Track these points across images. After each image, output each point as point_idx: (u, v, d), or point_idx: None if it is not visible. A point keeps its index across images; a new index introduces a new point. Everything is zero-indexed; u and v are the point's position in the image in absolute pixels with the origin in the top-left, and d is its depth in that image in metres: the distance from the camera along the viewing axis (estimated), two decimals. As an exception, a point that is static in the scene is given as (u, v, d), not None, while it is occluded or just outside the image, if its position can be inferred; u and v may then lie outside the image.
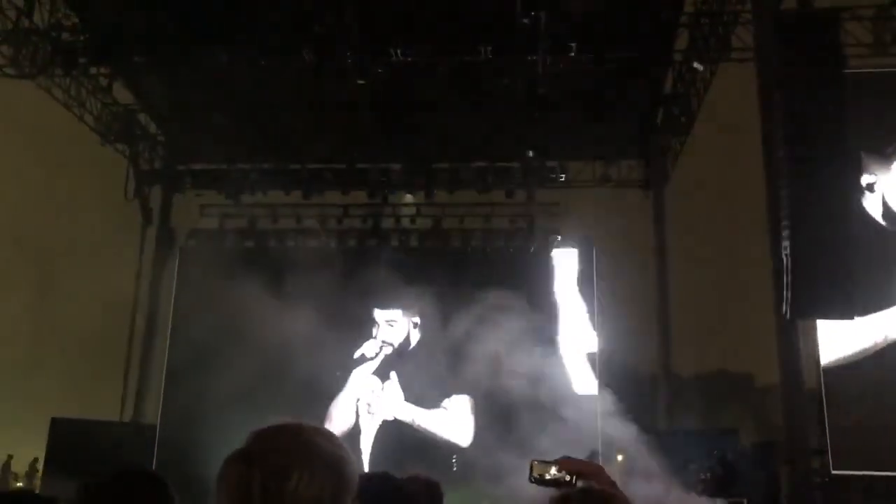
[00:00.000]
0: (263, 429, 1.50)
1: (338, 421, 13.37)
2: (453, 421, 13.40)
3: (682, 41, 13.36)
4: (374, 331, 13.98)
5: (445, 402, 13.44)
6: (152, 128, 16.62)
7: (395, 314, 14.02)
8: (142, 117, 16.24)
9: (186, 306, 14.11)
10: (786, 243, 9.33)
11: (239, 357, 12.47)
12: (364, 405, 13.61)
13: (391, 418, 13.52)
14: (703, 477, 11.70)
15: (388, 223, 15.56)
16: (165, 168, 16.97)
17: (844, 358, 10.52)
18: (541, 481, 1.95)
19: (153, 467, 11.73)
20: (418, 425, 13.45)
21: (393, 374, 13.68)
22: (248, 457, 1.45)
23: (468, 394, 13.22)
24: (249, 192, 15.65)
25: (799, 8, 10.10)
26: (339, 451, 1.48)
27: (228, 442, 1.55)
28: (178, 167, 16.87)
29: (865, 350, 10.41)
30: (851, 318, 9.49)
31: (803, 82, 9.63)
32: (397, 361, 13.78)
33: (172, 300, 14.75)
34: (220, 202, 15.62)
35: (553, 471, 1.95)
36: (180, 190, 16.95)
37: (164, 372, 14.39)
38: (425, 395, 13.42)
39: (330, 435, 1.52)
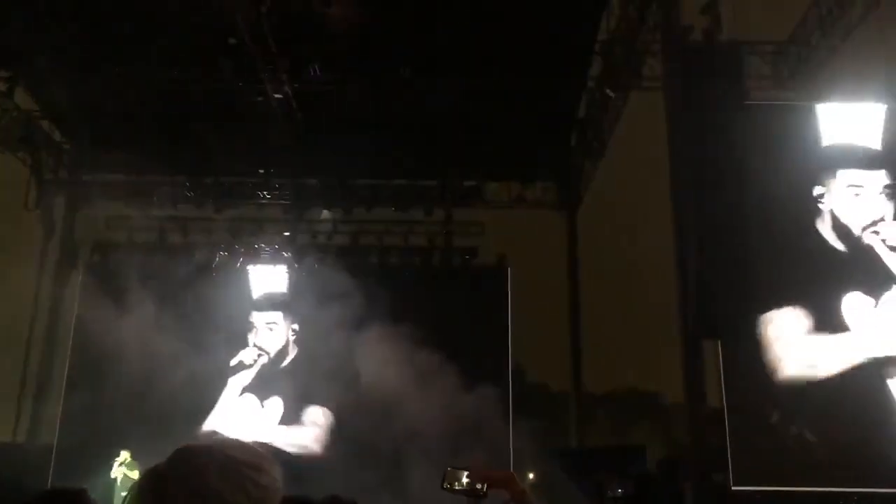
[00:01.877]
0: (177, 451, 1.37)
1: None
2: (313, 434, 12.98)
3: (595, 68, 13.75)
4: (250, 337, 13.55)
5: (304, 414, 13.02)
6: (56, 136, 15.94)
7: (276, 317, 13.66)
8: (45, 124, 15.56)
9: (89, 324, 13.52)
10: (690, 265, 9.66)
11: (144, 376, 12.07)
12: (244, 426, 13.14)
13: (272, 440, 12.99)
14: (615, 494, 11.91)
15: (304, 239, 15.36)
16: (70, 178, 16.29)
17: (749, 376, 10.95)
18: (452, 490, 1.95)
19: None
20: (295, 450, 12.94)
21: (275, 394, 13.18)
22: (141, 482, 1.36)
23: (365, 415, 12.95)
24: (159, 205, 15.20)
25: (704, 40, 10.54)
26: (235, 495, 1.30)
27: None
28: (83, 177, 16.21)
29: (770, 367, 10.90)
30: (752, 338, 9.90)
31: (708, 110, 10.06)
32: (277, 377, 13.32)
33: (74, 317, 14.14)
34: (128, 215, 15.11)
35: (465, 480, 1.95)
36: (86, 201, 16.29)
37: (63, 392, 13.76)
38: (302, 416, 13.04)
39: (234, 474, 1.31)
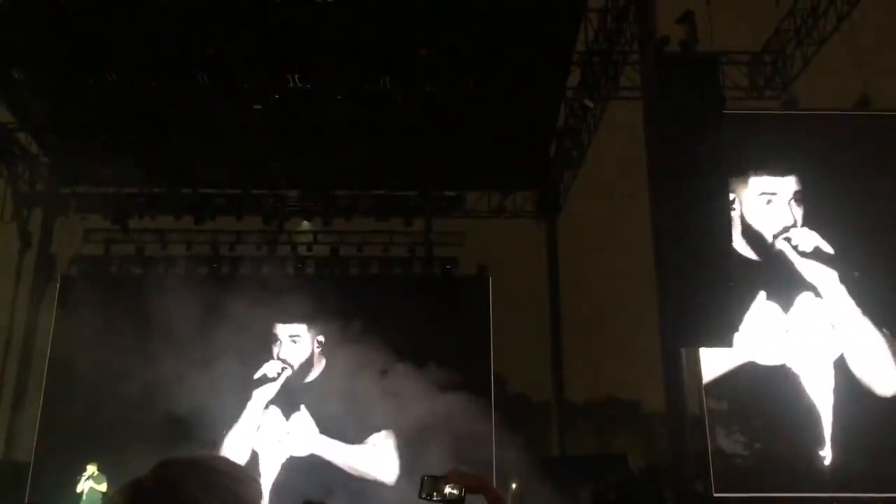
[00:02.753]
0: (160, 463, 1.35)
1: (233, 452, 12.75)
2: (376, 457, 12.99)
3: (574, 78, 13.84)
4: (275, 349, 13.54)
5: (370, 437, 13.03)
6: (33, 147, 15.77)
7: (300, 329, 13.62)
8: (21, 136, 15.39)
9: (67, 337, 13.37)
10: (670, 273, 9.73)
11: (125, 390, 11.94)
12: (268, 436, 13.10)
13: (305, 453, 13.04)
14: (600, 500, 11.92)
15: (283, 250, 15.29)
16: (47, 190, 16.12)
17: (716, 379, 11.07)
18: (431, 499, 1.96)
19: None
20: (336, 461, 13.00)
21: (302, 406, 13.21)
22: (122, 493, 1.34)
23: (385, 428, 12.95)
24: (137, 217, 15.08)
25: (681, 50, 10.64)
26: None
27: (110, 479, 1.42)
28: (60, 189, 16.05)
29: (729, 371, 11.04)
30: (730, 345, 9.97)
31: (685, 121, 10.15)
32: (302, 389, 13.33)
33: (51, 330, 13.98)
34: (106, 227, 14.97)
35: (445, 489, 1.96)
36: (63, 213, 16.12)
37: (41, 407, 13.57)
38: (335, 427, 13.02)
39: (216, 487, 1.29)
